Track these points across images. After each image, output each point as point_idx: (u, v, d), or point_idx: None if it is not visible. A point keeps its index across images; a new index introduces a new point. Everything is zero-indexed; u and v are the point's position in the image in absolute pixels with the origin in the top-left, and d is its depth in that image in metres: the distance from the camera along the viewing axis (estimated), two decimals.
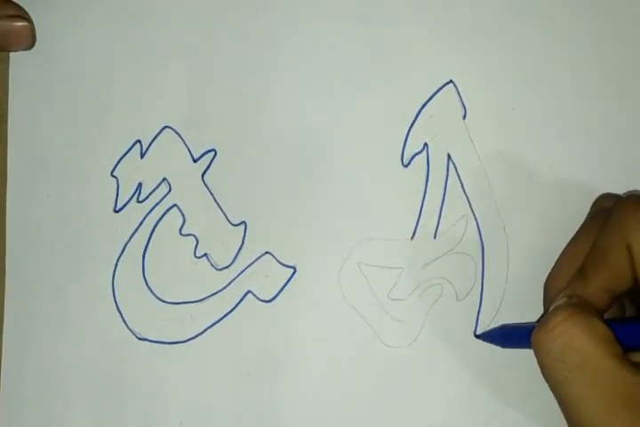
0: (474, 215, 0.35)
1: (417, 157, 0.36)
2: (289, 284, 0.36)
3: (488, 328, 0.35)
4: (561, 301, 0.29)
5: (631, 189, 0.35)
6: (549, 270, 0.34)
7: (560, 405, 0.28)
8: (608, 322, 0.28)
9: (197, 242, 0.36)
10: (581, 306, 0.28)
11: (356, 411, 0.35)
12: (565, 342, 0.27)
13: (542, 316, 0.33)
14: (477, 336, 0.35)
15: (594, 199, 0.35)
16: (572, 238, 0.33)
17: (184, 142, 0.37)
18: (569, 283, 0.30)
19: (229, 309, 0.36)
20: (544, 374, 0.28)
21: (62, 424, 0.36)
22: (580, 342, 0.27)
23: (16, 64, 0.37)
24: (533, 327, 0.29)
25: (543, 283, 0.34)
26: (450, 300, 0.35)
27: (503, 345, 0.34)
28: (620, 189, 0.35)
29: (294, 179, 0.36)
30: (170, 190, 0.37)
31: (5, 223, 0.37)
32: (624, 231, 0.28)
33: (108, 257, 0.36)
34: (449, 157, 0.36)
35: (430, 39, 0.36)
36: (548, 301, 0.32)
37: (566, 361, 0.27)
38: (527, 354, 0.34)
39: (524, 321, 0.35)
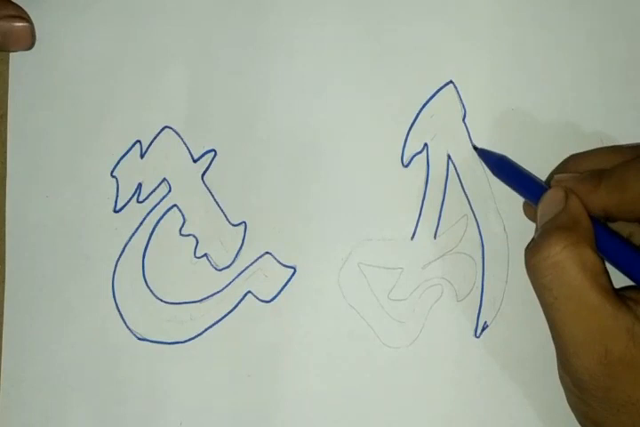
0: (474, 215, 0.35)
1: (417, 157, 0.36)
2: (289, 284, 0.36)
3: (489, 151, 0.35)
4: (558, 192, 0.30)
5: None
6: None
7: (547, 323, 0.29)
8: (608, 248, 0.29)
9: (197, 242, 0.36)
10: (576, 227, 0.29)
11: (355, 411, 0.35)
12: (556, 273, 0.28)
13: (545, 190, 0.32)
14: (476, 148, 0.35)
15: None
16: (624, 145, 0.33)
17: (184, 143, 0.37)
18: (582, 175, 0.31)
19: (229, 309, 0.36)
20: (535, 293, 0.29)
21: (62, 424, 0.36)
22: (570, 274, 0.28)
23: (16, 64, 0.37)
24: (532, 186, 0.31)
25: None
26: (450, 300, 0.35)
27: (494, 172, 0.34)
28: None
29: (294, 179, 0.36)
30: (170, 191, 0.37)
31: (5, 223, 0.37)
32: None
33: (107, 257, 0.36)
34: (449, 157, 0.36)
35: (430, 40, 0.36)
36: (557, 169, 0.33)
37: (554, 289, 0.28)
38: (527, 353, 0.35)
39: (526, 320, 0.35)
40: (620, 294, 0.29)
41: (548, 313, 0.29)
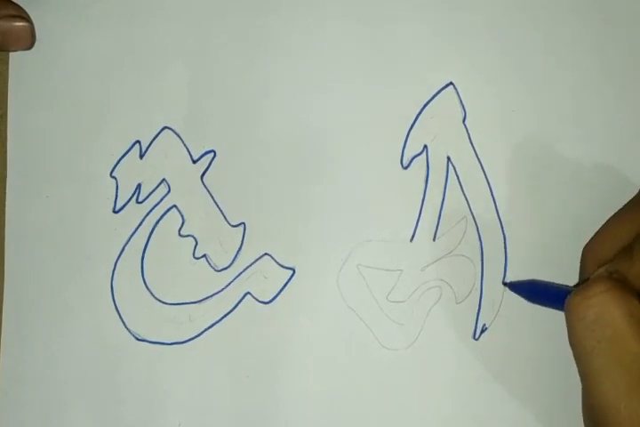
0: (473, 217, 0.35)
1: (417, 158, 0.36)
2: (288, 285, 0.36)
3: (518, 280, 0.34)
4: (602, 273, 0.29)
5: (631, 189, 0.35)
6: (549, 272, 0.34)
7: (581, 374, 0.28)
8: None
9: (196, 243, 0.36)
10: (624, 284, 0.28)
11: (354, 413, 0.35)
12: (601, 312, 0.27)
13: (578, 284, 0.32)
14: (506, 284, 0.35)
15: (594, 200, 0.35)
16: (622, 210, 0.32)
17: (183, 143, 0.37)
18: (614, 258, 0.30)
19: (228, 310, 0.36)
20: (571, 341, 0.28)
21: (61, 424, 0.36)
22: (615, 316, 0.26)
23: (16, 64, 0.37)
24: (565, 290, 0.29)
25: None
26: (449, 302, 0.35)
27: (530, 299, 0.33)
28: (620, 189, 0.35)
29: (293, 180, 0.36)
30: (169, 191, 0.37)
31: (5, 223, 0.37)
32: None
33: (107, 258, 0.36)
34: (448, 159, 0.36)
35: (430, 41, 0.36)
36: (585, 268, 0.32)
37: (597, 331, 0.27)
38: (527, 356, 0.35)
39: (525, 323, 0.35)
40: None
41: (586, 359, 0.27)
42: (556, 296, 0.30)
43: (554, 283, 0.33)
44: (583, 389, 0.28)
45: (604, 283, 0.27)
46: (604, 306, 0.27)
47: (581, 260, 0.32)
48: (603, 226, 0.32)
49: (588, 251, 0.32)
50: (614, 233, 0.31)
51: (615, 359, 0.26)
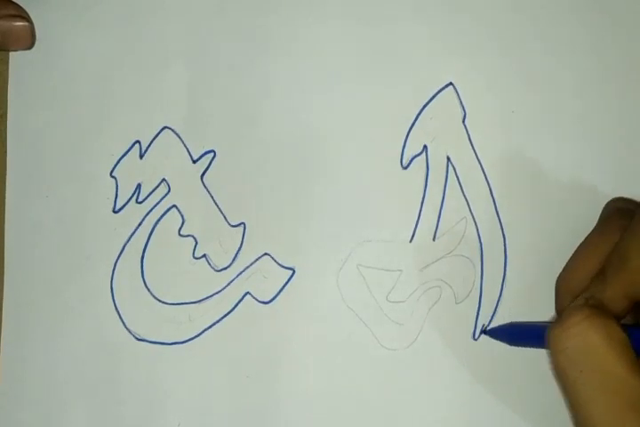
0: (473, 218, 0.35)
1: (416, 159, 0.36)
2: (288, 285, 0.36)
3: (493, 326, 0.35)
4: (578, 302, 0.29)
5: (631, 189, 0.35)
6: (548, 272, 0.34)
7: (568, 405, 0.27)
8: (625, 327, 0.27)
9: (196, 243, 0.36)
10: (599, 309, 0.28)
11: (354, 413, 0.35)
12: (580, 342, 0.27)
13: (556, 316, 0.33)
14: (484, 332, 0.35)
15: (594, 201, 0.35)
16: (587, 238, 0.32)
17: (183, 143, 0.37)
18: (588, 285, 0.30)
19: (228, 310, 0.36)
20: (555, 373, 0.28)
21: (60, 424, 0.36)
22: (596, 344, 0.26)
23: (16, 64, 0.37)
24: (544, 327, 0.29)
25: (542, 285, 0.34)
26: (449, 302, 0.35)
27: (511, 343, 0.33)
28: (620, 189, 0.35)
29: (293, 180, 0.36)
30: (169, 191, 0.37)
31: (4, 223, 0.37)
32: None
33: (106, 257, 0.36)
34: (448, 159, 0.36)
35: (430, 41, 0.36)
36: (560, 300, 0.32)
37: (579, 362, 0.27)
38: (526, 356, 0.35)
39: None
40: None
41: (572, 391, 0.27)
42: (537, 334, 0.30)
43: (533, 323, 0.34)
44: (573, 419, 0.27)
45: (581, 311, 0.27)
46: (584, 335, 0.27)
47: (555, 291, 0.33)
48: (572, 256, 0.32)
49: (561, 282, 0.32)
50: (584, 262, 0.31)
51: (601, 387, 0.26)
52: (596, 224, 0.33)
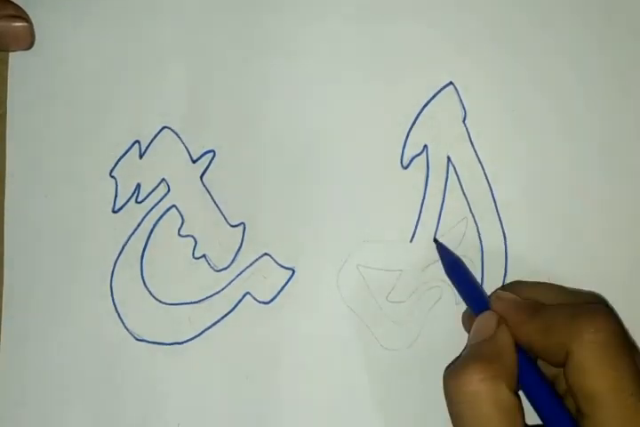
0: (473, 218, 0.35)
1: (416, 158, 0.36)
2: (287, 285, 0.36)
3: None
4: (491, 319, 0.31)
5: (631, 189, 0.35)
6: (548, 273, 0.34)
7: None
8: (528, 384, 0.29)
9: (196, 243, 0.36)
10: (498, 362, 0.29)
11: (354, 413, 0.35)
12: (469, 405, 0.28)
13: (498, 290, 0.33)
14: (435, 241, 0.35)
15: (594, 201, 0.35)
16: (565, 288, 0.33)
17: (183, 143, 0.36)
18: (520, 305, 0.31)
19: (228, 310, 0.36)
20: (450, 415, 0.29)
21: (60, 424, 0.36)
22: (483, 409, 0.28)
23: (16, 64, 0.37)
24: (479, 295, 0.32)
25: None
26: (449, 303, 0.35)
27: (447, 271, 0.34)
28: (620, 189, 0.35)
29: (293, 180, 0.36)
30: (169, 191, 0.37)
31: (4, 223, 0.37)
32: (570, 335, 0.28)
33: (106, 257, 0.36)
34: (449, 158, 0.36)
35: (430, 41, 0.36)
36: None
37: (465, 420, 0.28)
38: None
39: None
40: None
41: None
42: (469, 293, 0.33)
43: (474, 278, 0.34)
44: None
45: (477, 371, 0.28)
46: (475, 398, 0.28)
47: (507, 284, 0.34)
48: (547, 283, 0.34)
49: (517, 283, 0.34)
50: (546, 292, 0.32)
51: None
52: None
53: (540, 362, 0.31)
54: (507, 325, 0.30)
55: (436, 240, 0.35)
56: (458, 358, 0.32)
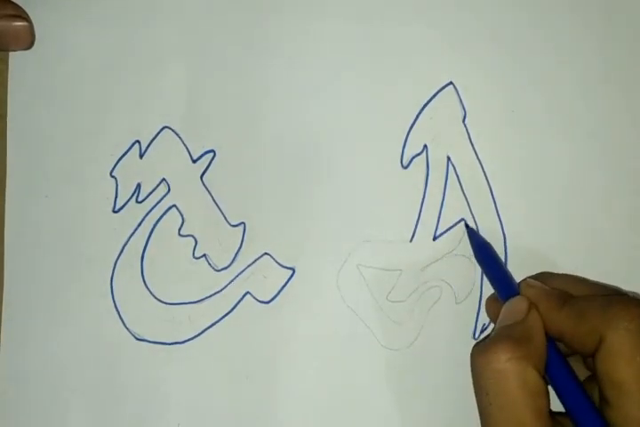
0: (473, 217, 0.35)
1: (416, 158, 0.36)
2: (288, 285, 0.36)
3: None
4: (523, 303, 0.30)
5: (631, 189, 0.35)
6: (549, 271, 0.34)
7: (480, 418, 0.29)
8: (553, 372, 0.29)
9: (196, 243, 0.36)
10: (527, 345, 0.29)
11: (354, 413, 0.35)
12: (496, 381, 0.28)
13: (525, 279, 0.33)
14: (467, 226, 0.35)
15: (594, 201, 0.35)
16: (594, 281, 0.33)
17: (183, 143, 0.36)
18: (550, 292, 0.31)
19: (228, 310, 0.36)
20: (474, 386, 0.29)
21: (60, 424, 0.36)
22: (510, 387, 0.28)
23: (16, 64, 0.37)
24: (507, 281, 0.32)
25: None
26: (449, 302, 0.35)
27: (475, 255, 0.34)
28: (620, 189, 0.35)
29: (293, 180, 0.36)
30: (169, 191, 0.37)
31: (4, 223, 0.37)
32: (605, 322, 0.28)
33: (106, 257, 0.36)
34: (448, 158, 0.36)
35: (430, 41, 0.36)
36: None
37: (491, 395, 0.28)
38: None
39: None
40: (555, 419, 0.29)
41: (482, 414, 0.29)
42: (498, 278, 0.33)
43: (503, 264, 0.34)
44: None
45: (506, 350, 0.28)
46: (503, 375, 0.28)
47: (536, 274, 0.34)
48: (574, 275, 0.34)
49: (545, 273, 0.34)
50: (575, 283, 0.32)
51: (502, 423, 0.28)
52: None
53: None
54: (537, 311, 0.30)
55: (466, 224, 0.35)
56: (487, 337, 0.31)
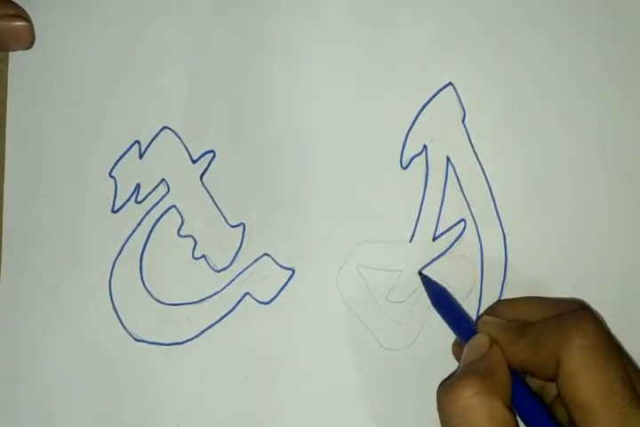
0: (473, 218, 0.35)
1: (416, 159, 0.36)
2: (287, 286, 0.36)
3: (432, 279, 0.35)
4: (485, 340, 0.31)
5: (631, 189, 0.35)
6: (547, 273, 0.34)
7: None
8: (520, 404, 0.29)
9: (196, 243, 0.36)
10: (492, 379, 0.28)
11: (353, 413, 0.35)
12: (464, 419, 0.27)
13: (479, 318, 0.33)
14: (420, 273, 0.35)
15: (594, 201, 0.35)
16: (549, 300, 0.34)
17: (183, 143, 0.36)
18: (507, 324, 0.31)
19: (227, 310, 0.36)
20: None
21: (60, 425, 0.36)
22: (478, 422, 0.27)
23: (16, 64, 0.37)
24: (466, 323, 0.32)
25: (542, 285, 0.34)
26: None
27: (432, 302, 0.34)
28: (619, 189, 0.35)
29: (293, 180, 0.36)
30: (168, 191, 0.37)
31: (3, 222, 0.37)
32: (560, 343, 0.28)
33: (105, 258, 0.36)
34: (448, 159, 0.36)
35: (430, 41, 0.36)
36: (489, 311, 0.34)
37: None
38: None
39: None
40: None
41: None
42: (456, 323, 0.33)
43: (460, 306, 0.34)
44: None
45: (471, 385, 0.28)
46: (469, 412, 0.27)
47: (490, 306, 0.34)
48: (528, 298, 0.34)
49: (501, 302, 0.34)
50: (530, 307, 0.32)
51: None
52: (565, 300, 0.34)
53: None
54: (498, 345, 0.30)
55: (420, 273, 0.35)
56: (451, 375, 0.32)
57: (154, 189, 0.37)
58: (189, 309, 0.36)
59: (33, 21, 0.36)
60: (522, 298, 0.34)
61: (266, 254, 0.36)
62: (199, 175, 0.36)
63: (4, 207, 0.37)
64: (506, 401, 0.28)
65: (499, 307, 0.34)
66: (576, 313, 0.30)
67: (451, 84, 0.36)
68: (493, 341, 0.30)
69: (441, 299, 0.34)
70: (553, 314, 0.30)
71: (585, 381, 0.27)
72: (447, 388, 0.28)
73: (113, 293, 0.36)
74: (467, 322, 0.33)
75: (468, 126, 0.36)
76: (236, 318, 0.36)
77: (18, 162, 0.37)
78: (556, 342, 0.28)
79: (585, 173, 0.35)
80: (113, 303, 0.36)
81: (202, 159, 0.36)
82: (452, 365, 0.35)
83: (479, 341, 0.31)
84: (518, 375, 0.30)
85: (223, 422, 0.36)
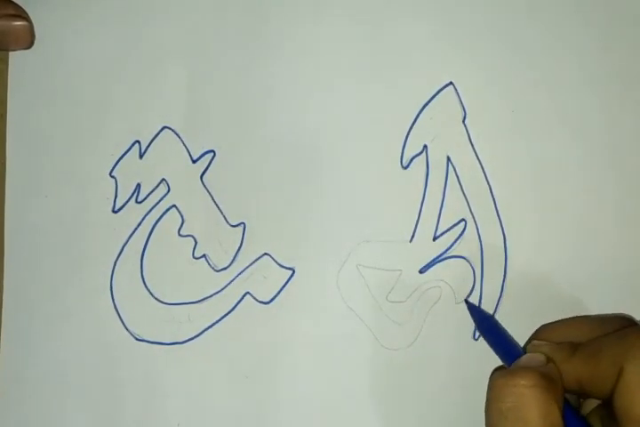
0: (473, 218, 0.35)
1: (416, 158, 0.36)
2: (287, 285, 0.36)
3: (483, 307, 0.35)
4: (538, 356, 0.29)
5: (631, 189, 0.35)
6: (548, 273, 0.34)
7: None
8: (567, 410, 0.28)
9: (196, 243, 0.36)
10: (551, 383, 0.27)
11: (353, 413, 0.35)
12: (518, 404, 0.26)
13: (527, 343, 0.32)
14: (466, 301, 0.35)
15: (594, 201, 0.35)
16: (595, 317, 0.32)
17: (183, 143, 0.37)
18: (559, 346, 0.30)
19: (228, 310, 0.36)
20: (486, 411, 0.28)
21: (60, 424, 0.36)
22: (531, 414, 0.26)
23: (16, 64, 0.37)
24: (509, 348, 0.30)
25: (542, 285, 0.34)
26: (448, 302, 0.35)
27: (477, 326, 0.34)
28: (620, 189, 0.35)
29: (293, 180, 0.36)
30: (169, 191, 0.37)
31: (4, 223, 0.37)
32: (622, 354, 0.27)
33: (106, 257, 0.36)
34: (448, 159, 0.36)
35: (430, 41, 0.36)
36: (531, 339, 0.32)
37: (509, 420, 0.26)
38: None
39: (524, 323, 0.35)
40: None
41: None
42: (503, 348, 0.31)
43: (507, 332, 0.33)
44: None
45: (532, 376, 0.27)
46: (524, 400, 0.26)
47: (535, 332, 0.32)
48: (572, 318, 0.32)
49: (543, 327, 0.32)
50: (576, 328, 0.31)
51: None
52: (613, 316, 0.32)
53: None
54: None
55: (466, 301, 0.35)
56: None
57: (154, 189, 0.37)
58: (190, 308, 0.36)
59: (33, 21, 0.36)
60: (564, 319, 0.32)
61: (266, 254, 0.36)
62: (199, 175, 0.36)
63: (5, 207, 0.37)
64: (560, 408, 0.27)
65: (542, 331, 0.32)
66: (636, 328, 0.29)
67: (451, 83, 0.36)
68: (550, 358, 0.29)
69: (489, 327, 0.33)
70: (602, 332, 0.29)
71: None
72: (505, 372, 0.27)
73: (114, 292, 0.36)
74: (515, 348, 0.31)
75: (468, 126, 0.36)
76: (237, 318, 0.36)
77: (18, 162, 0.37)
78: (616, 354, 0.27)
79: (586, 173, 0.35)
80: (114, 303, 0.36)
81: (202, 159, 0.36)
82: (451, 365, 0.35)
83: (535, 357, 0.29)
84: (569, 402, 0.29)
85: (223, 422, 0.36)
